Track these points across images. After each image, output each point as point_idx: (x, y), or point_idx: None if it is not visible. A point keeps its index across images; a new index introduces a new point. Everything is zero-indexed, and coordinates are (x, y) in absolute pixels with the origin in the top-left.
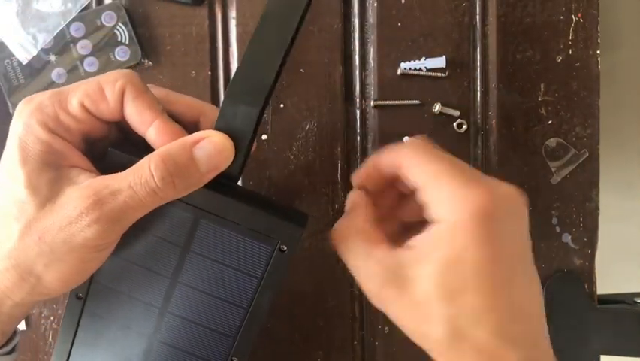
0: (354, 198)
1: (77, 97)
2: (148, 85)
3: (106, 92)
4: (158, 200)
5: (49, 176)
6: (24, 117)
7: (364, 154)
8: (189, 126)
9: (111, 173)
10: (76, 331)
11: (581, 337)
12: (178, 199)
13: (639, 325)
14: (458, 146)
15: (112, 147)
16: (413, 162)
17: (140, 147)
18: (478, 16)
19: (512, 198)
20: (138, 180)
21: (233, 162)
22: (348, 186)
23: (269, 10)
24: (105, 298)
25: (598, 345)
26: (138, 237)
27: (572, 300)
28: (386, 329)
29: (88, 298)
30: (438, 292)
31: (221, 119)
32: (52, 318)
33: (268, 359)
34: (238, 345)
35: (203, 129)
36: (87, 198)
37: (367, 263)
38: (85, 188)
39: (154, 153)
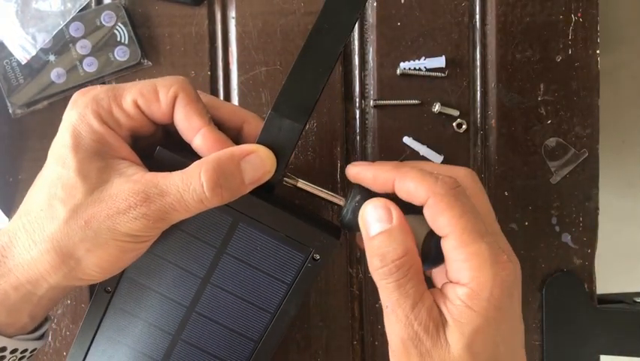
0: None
1: (132, 95)
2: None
3: (160, 94)
4: (203, 207)
5: (98, 165)
6: (80, 107)
7: (364, 154)
8: (231, 132)
9: (158, 171)
10: (99, 325)
11: (581, 337)
12: None
13: (639, 325)
14: (458, 146)
15: (160, 145)
16: (442, 207)
17: (184, 150)
18: (477, 16)
19: (519, 273)
20: (186, 187)
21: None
22: (348, 187)
23: (317, 27)
24: (133, 294)
25: (598, 345)
26: (174, 234)
27: (572, 300)
28: None
29: (116, 292)
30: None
31: (266, 131)
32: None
33: None
34: (260, 350)
35: (246, 136)
36: (137, 193)
37: (415, 311)
38: (135, 182)
39: (203, 160)
